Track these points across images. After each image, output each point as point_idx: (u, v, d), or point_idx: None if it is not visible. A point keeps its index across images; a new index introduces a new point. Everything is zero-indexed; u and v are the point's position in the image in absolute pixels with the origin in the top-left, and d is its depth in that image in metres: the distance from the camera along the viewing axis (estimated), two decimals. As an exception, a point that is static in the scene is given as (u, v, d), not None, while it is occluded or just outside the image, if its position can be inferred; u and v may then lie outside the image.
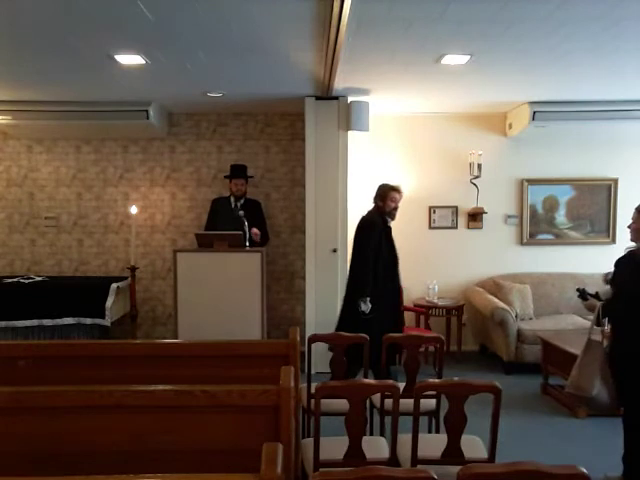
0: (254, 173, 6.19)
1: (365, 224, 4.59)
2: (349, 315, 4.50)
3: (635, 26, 3.37)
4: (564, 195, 6.28)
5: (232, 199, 5.68)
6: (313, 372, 3.60)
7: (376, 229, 4.48)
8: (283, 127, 6.21)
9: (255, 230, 5.41)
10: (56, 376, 2.72)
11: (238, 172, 5.73)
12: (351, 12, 3.01)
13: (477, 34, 3.53)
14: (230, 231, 5.11)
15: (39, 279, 5.76)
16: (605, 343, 3.35)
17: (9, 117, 5.63)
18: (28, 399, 2.14)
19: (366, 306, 4.36)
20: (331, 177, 5.43)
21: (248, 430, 2.14)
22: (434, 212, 6.27)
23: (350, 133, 5.46)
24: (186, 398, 2.16)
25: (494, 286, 5.92)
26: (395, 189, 4.56)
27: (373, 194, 4.63)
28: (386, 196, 4.50)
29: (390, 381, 2.55)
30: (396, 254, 4.59)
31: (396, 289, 4.63)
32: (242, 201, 5.67)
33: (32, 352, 2.98)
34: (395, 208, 4.54)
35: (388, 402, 2.74)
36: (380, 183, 4.63)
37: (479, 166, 6.08)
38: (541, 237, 6.33)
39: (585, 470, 1.61)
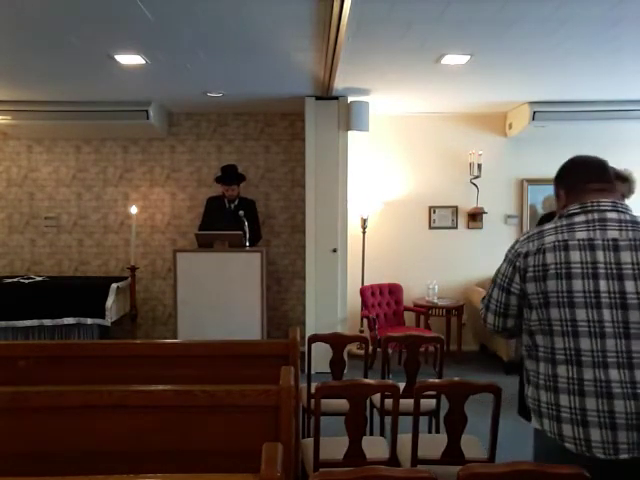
0: (254, 173, 6.19)
1: None
2: None
3: (635, 26, 3.38)
4: (564, 195, 6.28)
5: (225, 200, 5.63)
6: (313, 372, 3.60)
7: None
8: (283, 127, 6.21)
9: None
10: (56, 376, 2.72)
11: (229, 178, 5.56)
12: (351, 12, 3.01)
13: (477, 34, 3.53)
14: (225, 230, 5.11)
15: (39, 279, 5.76)
16: None
17: (9, 117, 5.63)
18: (28, 399, 2.13)
19: None
20: (331, 177, 5.42)
21: (248, 430, 2.13)
22: (434, 212, 6.26)
23: (350, 133, 5.46)
24: (186, 398, 2.15)
25: (494, 286, 5.91)
26: None
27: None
28: None
29: (390, 381, 2.55)
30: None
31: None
32: (236, 202, 5.61)
33: (32, 352, 2.98)
34: None
35: (388, 402, 2.74)
36: None
37: (479, 166, 6.08)
38: (541, 237, 6.34)
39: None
